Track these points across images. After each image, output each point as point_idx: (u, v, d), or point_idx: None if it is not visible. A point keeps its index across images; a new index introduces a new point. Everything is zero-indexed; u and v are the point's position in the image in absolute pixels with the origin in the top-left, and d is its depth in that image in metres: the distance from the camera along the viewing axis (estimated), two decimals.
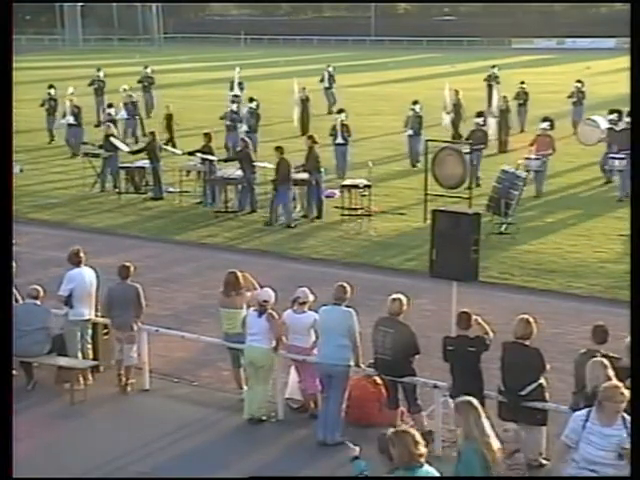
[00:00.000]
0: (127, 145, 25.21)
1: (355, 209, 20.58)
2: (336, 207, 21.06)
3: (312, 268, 17.17)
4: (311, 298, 11.31)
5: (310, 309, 11.26)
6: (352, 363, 10.79)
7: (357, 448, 7.30)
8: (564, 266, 17.16)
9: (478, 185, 22.04)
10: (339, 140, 24.59)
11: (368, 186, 20.40)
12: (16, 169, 23.44)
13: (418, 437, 6.86)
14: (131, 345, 12.21)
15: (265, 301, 11.28)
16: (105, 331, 12.82)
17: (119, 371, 12.28)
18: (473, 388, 9.95)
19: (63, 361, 12.30)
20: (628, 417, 7.56)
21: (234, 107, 28.03)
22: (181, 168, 23.08)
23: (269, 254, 18.36)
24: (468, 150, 21.08)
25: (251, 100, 28.78)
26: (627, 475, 7.33)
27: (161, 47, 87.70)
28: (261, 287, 11.75)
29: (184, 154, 24.53)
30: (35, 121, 31.66)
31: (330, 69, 39.14)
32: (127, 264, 12.39)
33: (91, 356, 12.59)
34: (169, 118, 28.95)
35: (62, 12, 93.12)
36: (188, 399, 12.06)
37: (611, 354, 9.32)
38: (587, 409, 7.79)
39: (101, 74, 37.74)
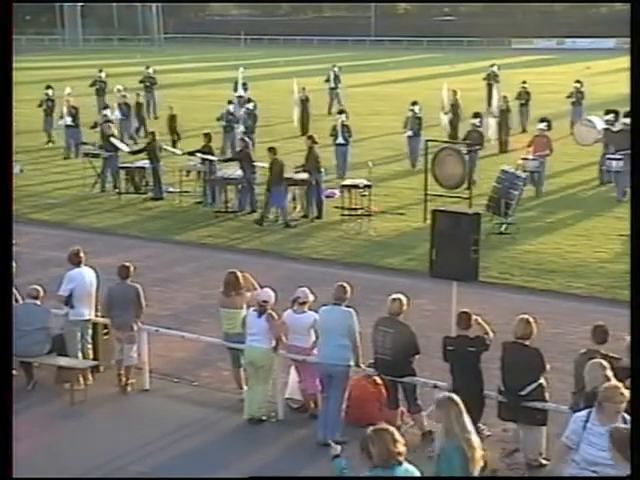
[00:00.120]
0: (127, 145, 25.21)
1: (355, 209, 20.59)
2: (336, 207, 21.06)
3: (312, 268, 17.17)
4: (311, 298, 11.31)
5: (310, 309, 11.26)
6: (352, 363, 10.79)
7: (338, 447, 7.30)
8: (564, 266, 17.16)
9: (469, 187, 21.98)
10: (340, 140, 24.60)
11: (368, 186, 20.41)
12: (16, 169, 23.52)
13: (397, 435, 6.86)
14: (131, 345, 12.21)
15: (265, 301, 11.29)
16: (105, 331, 12.82)
17: (119, 371, 12.28)
18: (473, 388, 9.97)
19: (63, 361, 12.30)
20: (628, 417, 7.56)
21: (230, 108, 28.00)
22: (181, 168, 23.09)
23: (269, 254, 18.36)
24: (465, 151, 21.06)
25: (248, 101, 28.75)
26: (627, 475, 7.33)
27: (161, 47, 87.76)
28: (261, 287, 11.75)
29: (184, 154, 24.56)
30: (35, 121, 31.65)
31: (336, 69, 39.21)
32: (127, 264, 12.39)
33: (91, 356, 12.59)
34: (172, 119, 28.97)
35: (62, 12, 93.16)
36: (188, 399, 12.06)
37: (611, 354, 9.33)
38: (587, 410, 7.79)
39: (103, 75, 37.77)
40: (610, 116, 24.36)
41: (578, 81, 33.10)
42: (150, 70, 38.54)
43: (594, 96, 36.50)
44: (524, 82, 33.14)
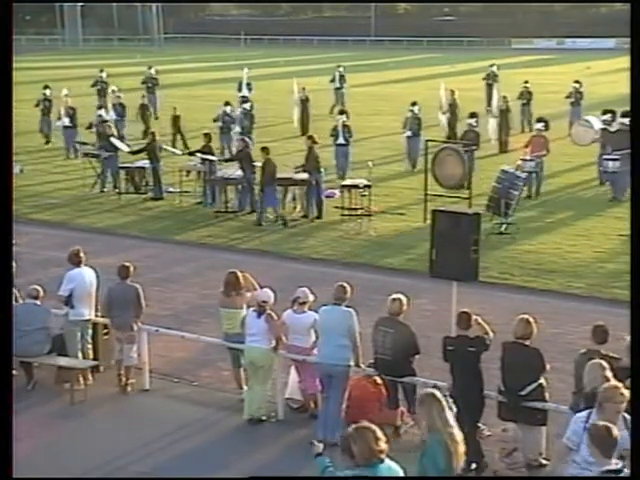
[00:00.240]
0: (128, 145, 25.21)
1: (355, 209, 20.59)
2: (336, 207, 21.06)
3: (312, 268, 17.17)
4: (311, 298, 11.31)
5: (310, 309, 11.26)
6: (352, 363, 10.80)
7: (321, 445, 7.32)
8: (564, 266, 17.16)
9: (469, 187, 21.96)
10: (340, 141, 24.59)
11: (368, 186, 20.41)
12: (16, 169, 23.52)
13: (379, 433, 6.88)
14: (131, 345, 12.21)
15: (264, 302, 11.29)
16: (105, 331, 12.83)
17: (119, 371, 12.28)
18: (473, 388, 9.97)
19: (63, 361, 12.30)
20: (629, 417, 7.56)
21: (227, 109, 27.97)
22: (181, 168, 23.09)
23: (269, 254, 18.36)
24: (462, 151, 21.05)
25: (245, 101, 28.69)
26: (627, 476, 7.33)
27: (161, 47, 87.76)
28: (261, 287, 11.76)
29: (184, 154, 24.59)
30: (35, 122, 31.61)
31: (341, 69, 39.26)
32: (127, 264, 12.39)
33: (91, 356, 12.59)
34: (176, 119, 28.96)
35: (62, 12, 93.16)
36: (188, 399, 12.06)
37: (611, 354, 9.32)
38: (588, 411, 7.79)
39: (104, 75, 37.76)
40: (607, 116, 24.33)
41: (577, 81, 33.10)
42: (152, 71, 38.55)
43: (594, 96, 36.50)
44: (526, 82, 33.12)
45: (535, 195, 22.50)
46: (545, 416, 9.87)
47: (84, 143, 26.49)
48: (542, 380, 9.86)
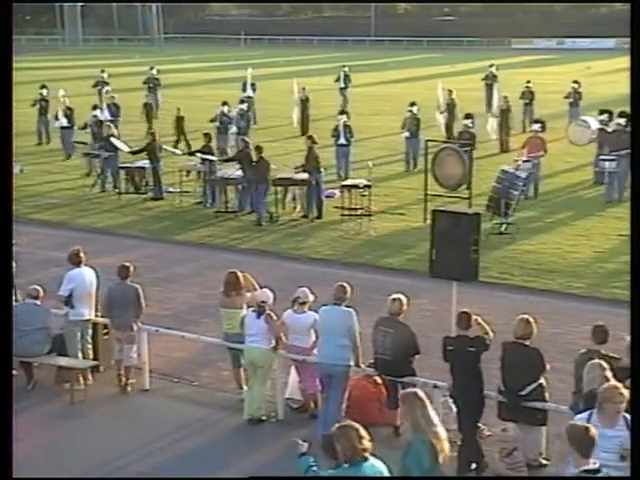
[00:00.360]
0: (128, 146, 25.22)
1: (355, 209, 20.59)
2: (336, 207, 21.06)
3: (312, 268, 17.17)
4: (311, 298, 11.31)
5: (310, 309, 11.26)
6: (352, 363, 10.80)
7: (305, 444, 7.33)
8: (564, 266, 17.16)
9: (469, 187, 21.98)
10: (342, 141, 24.57)
11: (368, 186, 20.41)
12: (16, 169, 23.50)
13: (362, 432, 6.90)
14: (131, 345, 12.21)
15: (263, 302, 11.29)
16: (105, 331, 12.83)
17: (119, 371, 12.28)
18: (473, 388, 9.97)
19: (63, 361, 12.30)
20: (629, 417, 7.56)
21: (225, 109, 27.96)
22: (181, 168, 23.09)
23: (269, 254, 18.37)
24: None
25: (242, 102, 28.65)
26: (627, 476, 7.33)
27: (161, 47, 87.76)
28: (261, 287, 11.76)
29: (184, 154, 24.58)
30: (35, 121, 31.61)
31: (346, 69, 39.29)
32: (127, 264, 12.39)
33: (91, 356, 12.59)
34: (180, 120, 28.98)
35: (62, 12, 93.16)
36: (188, 399, 12.06)
37: (611, 354, 9.32)
38: (588, 412, 7.79)
39: (105, 75, 37.74)
40: (604, 116, 24.29)
41: (576, 81, 33.09)
42: (154, 71, 38.55)
43: (594, 96, 36.49)
44: (528, 82, 33.10)
45: (534, 196, 22.45)
46: (545, 416, 9.87)
47: (83, 143, 26.50)
48: (542, 380, 9.86)
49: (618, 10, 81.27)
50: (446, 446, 7.35)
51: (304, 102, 32.76)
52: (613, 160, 21.88)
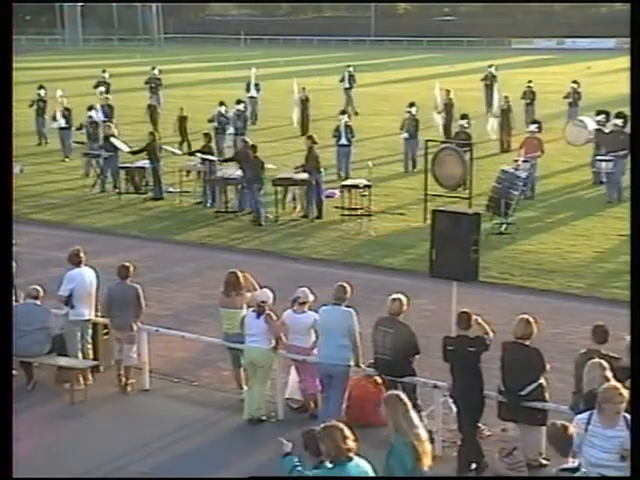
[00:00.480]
0: (128, 146, 25.22)
1: (355, 209, 20.59)
2: (336, 207, 21.07)
3: (312, 268, 17.18)
4: (311, 298, 11.31)
5: (310, 309, 11.26)
6: (352, 363, 10.80)
7: (290, 444, 7.35)
8: (564, 266, 17.16)
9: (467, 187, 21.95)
10: (343, 141, 24.55)
11: (368, 186, 20.41)
12: (16, 169, 23.51)
13: (347, 432, 6.93)
14: (131, 345, 12.21)
15: (263, 302, 11.29)
16: (105, 331, 12.83)
17: (119, 371, 12.28)
18: (473, 388, 9.97)
19: (63, 361, 12.31)
20: (629, 416, 7.56)
21: (222, 109, 27.94)
22: (181, 168, 23.09)
23: (269, 254, 18.37)
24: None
25: (238, 102, 28.64)
26: (628, 476, 7.33)
27: (161, 47, 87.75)
28: (261, 287, 11.76)
29: (184, 154, 24.58)
30: (34, 122, 31.59)
31: (350, 69, 39.34)
32: (127, 264, 12.39)
33: (91, 356, 12.60)
34: (182, 120, 28.98)
35: (62, 12, 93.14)
36: (188, 399, 12.06)
37: (611, 354, 9.32)
38: (588, 412, 7.79)
39: (106, 75, 37.72)
40: (601, 117, 24.25)
41: (575, 81, 33.06)
42: (155, 71, 38.53)
43: (594, 96, 36.49)
44: (529, 82, 33.08)
45: (530, 196, 22.35)
46: (545, 416, 9.86)
47: (82, 143, 26.52)
48: (542, 380, 9.86)
49: (618, 10, 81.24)
50: (428, 447, 7.42)
51: (304, 102, 32.77)
52: (610, 161, 21.85)
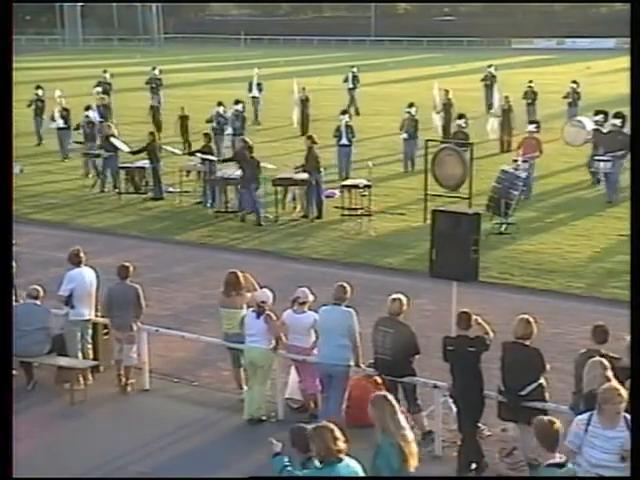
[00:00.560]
0: (128, 146, 25.22)
1: (355, 209, 20.59)
2: (336, 207, 21.07)
3: (312, 268, 17.18)
4: (311, 298, 11.31)
5: (310, 309, 11.26)
6: (352, 363, 10.80)
7: (279, 444, 7.36)
8: (564, 266, 17.16)
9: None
10: (344, 141, 24.54)
11: (368, 186, 20.41)
12: (16, 169, 23.51)
13: (337, 432, 6.94)
14: (131, 345, 12.21)
15: (263, 302, 11.29)
16: (105, 331, 12.83)
17: (119, 371, 12.28)
18: (473, 388, 9.97)
19: (63, 361, 12.30)
20: (629, 417, 7.55)
21: (220, 109, 27.93)
22: (181, 168, 23.09)
23: (269, 254, 18.37)
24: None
25: (236, 102, 28.66)
26: (628, 476, 7.33)
27: (161, 47, 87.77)
28: (261, 287, 11.76)
29: (184, 154, 24.58)
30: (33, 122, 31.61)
31: (354, 69, 39.37)
32: (126, 264, 12.39)
33: (91, 356, 12.59)
34: (184, 119, 28.97)
35: (62, 12, 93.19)
36: (188, 399, 12.06)
37: (611, 354, 9.32)
38: (588, 413, 7.78)
39: (107, 75, 37.71)
40: (599, 117, 24.22)
41: (574, 81, 33.05)
42: (156, 71, 38.53)
43: (594, 96, 36.50)
44: (530, 81, 33.06)
45: (526, 197, 22.28)
46: (545, 416, 9.85)
47: (81, 143, 26.51)
48: (542, 380, 9.85)
49: (618, 10, 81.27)
50: (414, 448, 7.44)
51: (304, 102, 32.78)
52: (608, 161, 21.83)
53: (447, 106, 29.65)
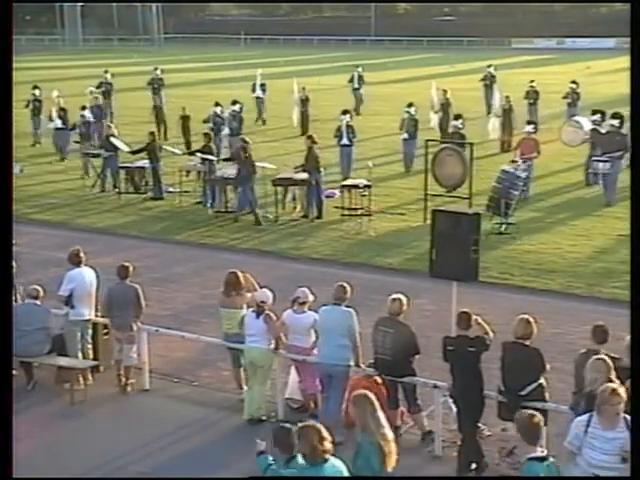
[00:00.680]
0: (128, 145, 25.21)
1: (355, 209, 20.59)
2: (336, 207, 21.07)
3: (312, 268, 17.17)
4: (311, 298, 11.31)
5: (310, 309, 11.26)
6: (352, 363, 10.80)
7: (264, 443, 7.36)
8: (564, 266, 17.16)
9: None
10: (344, 141, 24.51)
11: (368, 186, 20.41)
12: (16, 169, 23.47)
13: (324, 433, 6.94)
14: (131, 345, 12.21)
15: (262, 302, 11.29)
16: (105, 331, 12.83)
17: (119, 371, 12.28)
18: (473, 388, 9.97)
19: (63, 361, 12.30)
20: (630, 417, 7.55)
21: (218, 110, 27.91)
22: (181, 168, 23.09)
23: (269, 254, 18.37)
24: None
25: (234, 103, 28.64)
26: (627, 476, 7.32)
27: (161, 47, 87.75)
28: (261, 287, 11.76)
29: (184, 154, 24.58)
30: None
31: (359, 69, 39.37)
32: (126, 264, 12.39)
33: (91, 356, 12.59)
34: (185, 119, 28.94)
35: (62, 12, 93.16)
36: (188, 399, 12.06)
37: (611, 354, 9.32)
38: (588, 414, 7.78)
39: (108, 76, 37.70)
40: (597, 117, 24.17)
41: (574, 82, 33.01)
42: (158, 72, 38.50)
43: (594, 96, 36.48)
44: (532, 81, 33.03)
45: (525, 197, 22.23)
46: (545, 416, 9.85)
47: (79, 142, 26.47)
48: (542, 380, 9.86)
49: (618, 10, 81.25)
50: (393, 447, 7.46)
51: (304, 102, 32.78)
52: (606, 162, 21.79)
53: (445, 106, 29.64)
